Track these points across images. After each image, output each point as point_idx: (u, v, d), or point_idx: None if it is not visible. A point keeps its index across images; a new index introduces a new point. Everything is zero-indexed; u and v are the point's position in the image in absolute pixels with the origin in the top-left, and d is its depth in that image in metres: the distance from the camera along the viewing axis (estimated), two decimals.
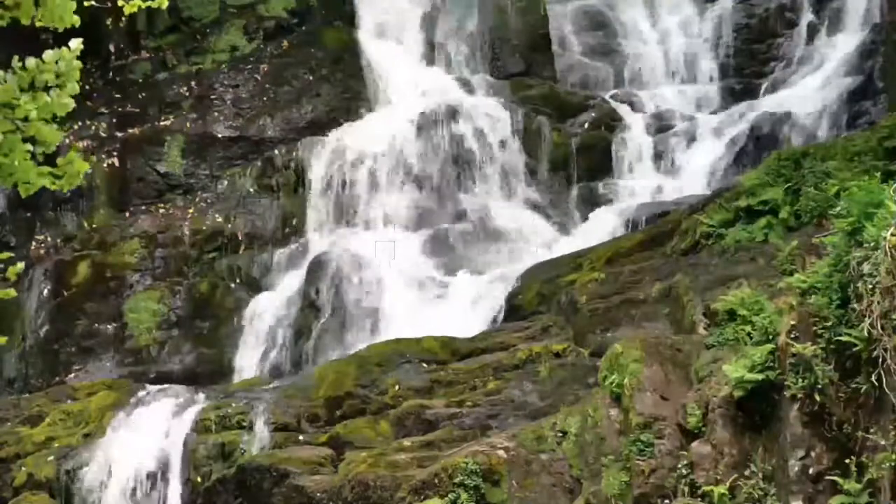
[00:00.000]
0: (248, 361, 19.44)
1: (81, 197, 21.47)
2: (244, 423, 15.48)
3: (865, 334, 10.71)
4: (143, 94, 22.98)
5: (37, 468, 15.58)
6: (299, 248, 20.72)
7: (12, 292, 9.63)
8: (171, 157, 21.94)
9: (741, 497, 11.73)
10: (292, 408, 15.74)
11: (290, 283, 20.10)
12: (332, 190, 21.31)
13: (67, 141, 20.81)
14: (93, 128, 22.28)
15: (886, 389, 10.52)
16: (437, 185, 21.33)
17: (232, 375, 19.24)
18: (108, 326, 19.96)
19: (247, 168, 21.85)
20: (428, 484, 13.07)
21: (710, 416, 12.32)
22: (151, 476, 15.24)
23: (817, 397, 11.18)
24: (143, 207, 21.61)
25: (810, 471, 11.22)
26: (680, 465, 12.29)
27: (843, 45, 22.39)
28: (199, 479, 15.07)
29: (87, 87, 20.45)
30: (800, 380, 11.30)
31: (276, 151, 21.84)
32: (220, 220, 21.13)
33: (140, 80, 23.24)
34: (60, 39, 8.92)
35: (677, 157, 21.70)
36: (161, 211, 21.45)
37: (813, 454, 11.24)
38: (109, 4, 9.80)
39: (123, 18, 9.53)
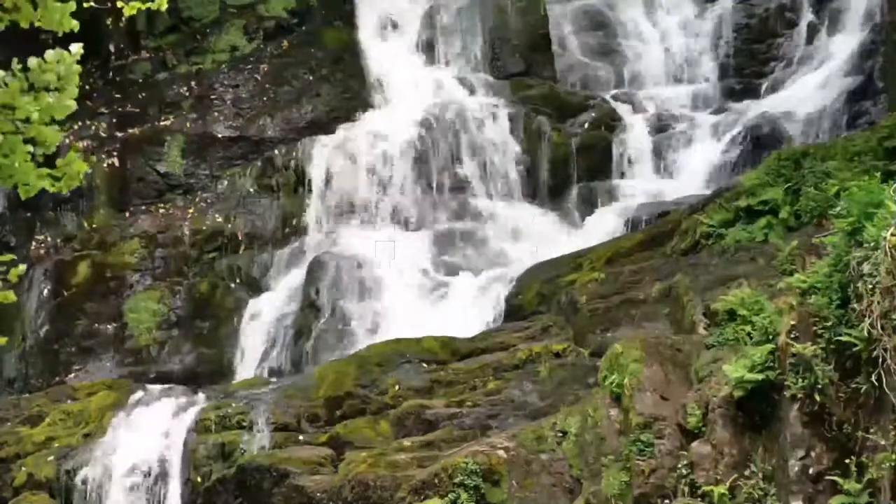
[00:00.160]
0: (248, 361, 19.44)
1: (81, 197, 21.47)
2: (244, 423, 15.48)
3: (865, 334, 10.71)
4: (143, 94, 22.98)
5: (37, 468, 15.58)
6: (299, 248, 20.72)
7: (11, 296, 9.63)
8: (171, 157, 21.94)
9: (741, 497, 11.73)
10: (292, 408, 15.74)
11: (290, 283, 20.10)
12: (332, 190, 21.31)
13: (67, 141, 20.81)
14: (93, 128, 22.29)
15: (886, 389, 10.52)
16: (436, 185, 21.34)
17: (232, 375, 19.24)
18: (108, 326, 19.97)
19: (247, 168, 21.86)
20: (428, 484, 13.07)
21: (710, 416, 12.32)
22: (151, 476, 15.24)
23: (817, 397, 11.18)
24: (143, 207, 21.61)
25: (810, 471, 11.22)
26: (680, 465, 12.30)
27: (843, 45, 22.38)
28: (199, 479, 15.08)
29: (87, 87, 20.46)
30: (800, 380, 11.30)
31: (276, 151, 21.84)
32: (220, 220, 21.13)
33: (140, 80, 23.24)
34: (61, 40, 8.93)
35: (677, 157, 21.70)
36: (161, 211, 21.45)
37: (813, 454, 11.24)
38: (109, 5, 9.80)
39: (123, 19, 9.52)
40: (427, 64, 23.58)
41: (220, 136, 22.25)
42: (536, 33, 23.88)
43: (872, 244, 10.80)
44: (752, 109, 21.87)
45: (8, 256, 9.80)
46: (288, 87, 22.83)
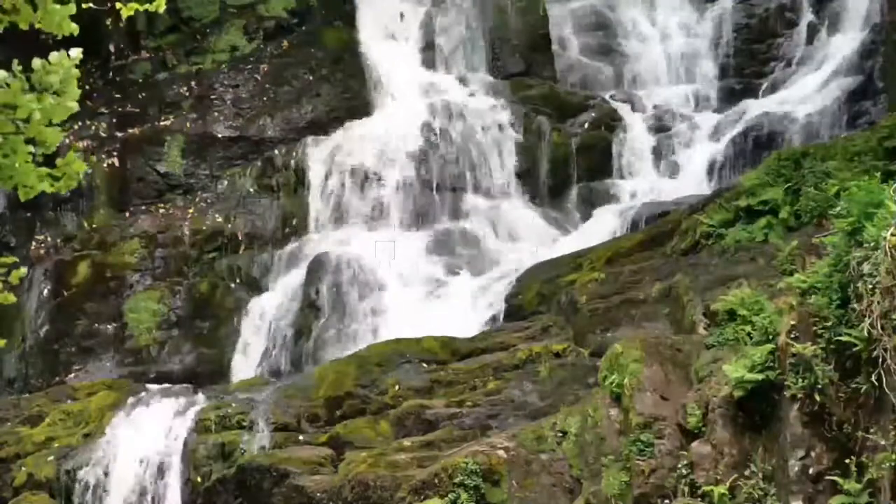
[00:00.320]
0: (248, 361, 19.44)
1: (81, 197, 21.47)
2: (244, 423, 15.48)
3: (865, 334, 10.72)
4: (143, 94, 22.98)
5: (37, 468, 15.58)
6: (299, 248, 20.72)
7: (11, 298, 9.63)
8: (171, 157, 21.94)
9: (741, 497, 11.73)
10: (292, 408, 15.74)
11: (290, 283, 20.11)
12: (332, 190, 21.32)
13: (67, 141, 20.81)
14: (93, 128, 22.29)
15: (886, 389, 10.52)
16: (436, 185, 21.34)
17: (232, 375, 19.24)
18: (108, 326, 19.97)
19: (247, 168, 21.86)
20: (428, 484, 13.07)
21: (710, 416, 12.32)
22: (151, 476, 15.23)
23: (817, 397, 11.18)
24: (143, 207, 21.61)
25: (810, 471, 11.22)
26: (680, 465, 12.30)
27: (843, 45, 22.38)
28: (199, 479, 15.08)
29: (87, 87, 20.44)
30: (800, 380, 11.30)
31: (276, 151, 21.85)
32: (220, 220, 21.14)
33: (140, 80, 23.25)
34: (61, 41, 8.93)
35: (677, 156, 21.71)
36: (161, 211, 21.45)
37: (813, 454, 11.24)
38: (109, 5, 9.81)
39: (123, 19, 9.54)
40: (427, 64, 23.58)
41: (220, 136, 22.25)
42: (536, 33, 23.88)
43: (872, 244, 10.80)
44: (752, 109, 21.88)
45: (10, 259, 9.79)
46: (288, 87, 22.83)
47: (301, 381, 16.74)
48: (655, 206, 19.82)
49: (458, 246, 20.34)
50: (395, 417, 15.23)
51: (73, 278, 20.43)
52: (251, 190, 21.55)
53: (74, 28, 8.78)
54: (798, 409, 11.33)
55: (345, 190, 21.28)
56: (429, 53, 23.70)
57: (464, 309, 18.59)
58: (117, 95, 22.95)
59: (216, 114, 22.55)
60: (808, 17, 23.45)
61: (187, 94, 22.92)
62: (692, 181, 20.95)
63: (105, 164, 21.73)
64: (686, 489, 12.15)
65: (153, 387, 17.26)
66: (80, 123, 21.86)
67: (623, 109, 22.65)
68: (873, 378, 10.66)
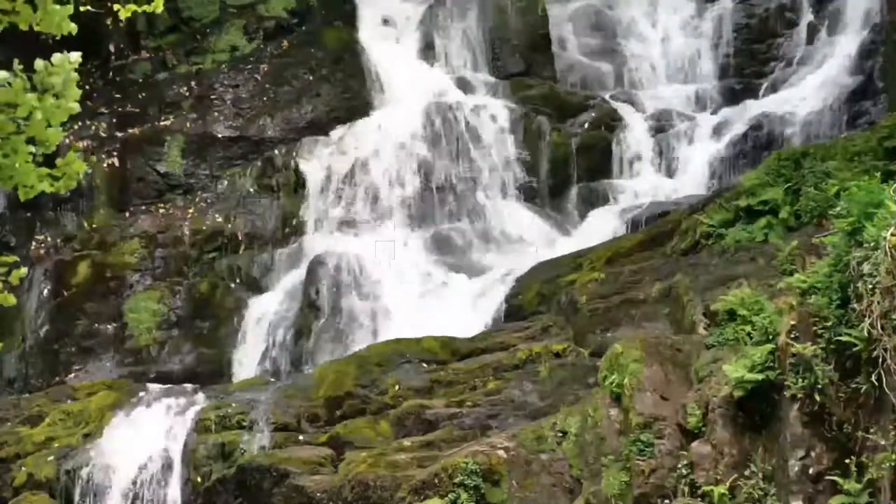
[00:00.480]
0: (247, 361, 19.44)
1: (81, 197, 21.47)
2: (244, 423, 15.48)
3: (865, 334, 10.72)
4: (143, 94, 22.98)
5: (37, 468, 15.57)
6: (299, 248, 20.72)
7: (11, 299, 9.63)
8: (171, 157, 21.94)
9: (741, 497, 11.73)
10: (292, 408, 15.74)
11: (290, 283, 20.11)
12: (332, 190, 21.32)
13: (67, 141, 20.81)
14: (93, 128, 22.28)
15: (886, 389, 10.52)
16: (436, 185, 21.33)
17: (232, 375, 19.24)
18: (108, 326, 19.96)
19: (247, 168, 21.86)
20: (428, 484, 13.07)
21: (710, 416, 12.32)
22: (151, 476, 15.23)
23: (817, 397, 11.18)
24: (143, 207, 21.61)
25: (810, 471, 11.22)
26: (680, 465, 12.30)
27: (843, 45, 22.38)
28: (199, 479, 15.08)
29: (87, 87, 20.45)
30: (800, 380, 11.30)
31: (276, 151, 21.84)
32: (220, 220, 21.13)
33: (140, 80, 23.25)
34: (61, 41, 8.94)
35: (677, 156, 21.70)
36: (161, 211, 21.45)
37: (813, 454, 11.24)
38: (110, 4, 9.81)
39: (123, 19, 9.57)
40: (427, 64, 23.58)
41: (220, 136, 22.25)
42: (536, 33, 23.88)
43: (872, 244, 10.80)
44: (752, 109, 21.87)
45: (10, 258, 9.78)
46: (288, 87, 22.83)
47: (301, 381, 16.74)
48: (655, 206, 19.82)
49: (458, 246, 20.34)
50: (395, 417, 15.23)
51: (73, 278, 20.43)
52: (251, 190, 21.55)
53: (73, 28, 8.79)
54: (798, 409, 11.33)
55: (344, 190, 21.27)
56: (429, 53, 23.70)
57: (464, 309, 18.59)
58: (117, 95, 22.95)
59: (216, 114, 22.55)
60: (808, 17, 23.45)
61: (187, 94, 22.92)
62: (692, 181, 20.95)
63: (105, 164, 21.73)
64: (686, 489, 12.15)
65: (153, 387, 17.26)
66: (80, 123, 21.86)
67: (623, 109, 22.64)
68: (873, 378, 10.66)
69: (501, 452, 13.20)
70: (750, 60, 23.57)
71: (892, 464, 10.46)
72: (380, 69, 23.09)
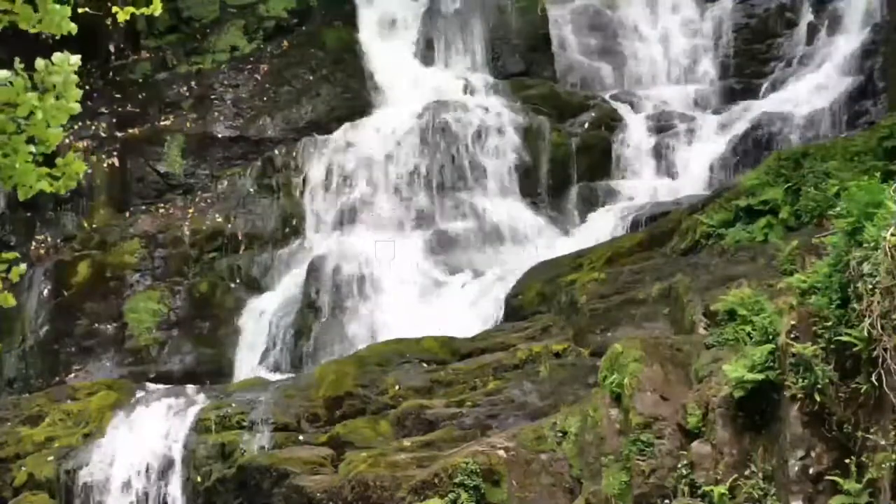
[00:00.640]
0: (247, 361, 19.44)
1: (81, 197, 21.47)
2: (244, 423, 15.48)
3: (865, 334, 10.72)
4: (143, 94, 22.98)
5: (37, 468, 15.57)
6: (299, 248, 20.73)
7: (11, 299, 9.63)
8: (171, 157, 21.95)
9: (741, 497, 11.73)
10: (292, 408, 15.73)
11: (290, 283, 20.11)
12: (332, 190, 21.32)
13: (67, 141, 20.80)
14: (93, 128, 22.29)
15: (886, 389, 10.52)
16: (436, 185, 21.33)
17: (232, 375, 19.24)
18: (108, 326, 19.96)
19: (247, 168, 21.86)
20: (428, 484, 13.07)
21: (710, 416, 12.32)
22: (151, 476, 15.23)
23: (817, 397, 11.18)
24: (143, 207, 21.61)
25: (810, 471, 11.22)
26: (680, 465, 12.29)
27: (843, 45, 22.38)
28: (199, 479, 15.08)
29: (87, 87, 20.45)
30: (800, 380, 11.30)
31: (276, 151, 21.84)
32: (220, 220, 21.13)
33: (140, 80, 23.26)
34: (61, 40, 8.95)
35: (677, 156, 21.69)
36: (161, 211, 21.45)
37: (813, 454, 11.24)
38: (110, 3, 9.83)
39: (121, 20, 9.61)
40: (427, 64, 23.58)
41: (220, 136, 22.27)
42: (536, 33, 23.88)
43: (872, 244, 10.80)
44: (752, 109, 21.87)
45: (11, 254, 9.79)
46: (288, 87, 22.83)
47: (301, 381, 16.73)
48: (655, 206, 19.81)
49: (458, 246, 20.34)
50: (395, 417, 15.23)
51: (73, 278, 20.43)
52: (251, 190, 21.55)
53: (73, 27, 8.80)
54: (798, 409, 11.32)
55: (344, 190, 21.27)
56: (428, 53, 23.70)
57: (464, 309, 18.59)
58: (117, 95, 22.95)
59: (216, 114, 22.56)
60: (808, 17, 23.44)
61: (187, 94, 22.92)
62: (692, 181, 20.94)
63: (105, 164, 21.73)
64: (686, 489, 12.15)
65: (153, 387, 17.26)
66: (80, 123, 21.85)
67: (623, 109, 22.63)
68: (873, 378, 10.66)
69: (501, 452, 13.20)
70: (750, 60, 23.56)
71: (892, 464, 10.46)
72: (380, 69, 23.10)
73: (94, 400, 16.57)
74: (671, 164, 21.68)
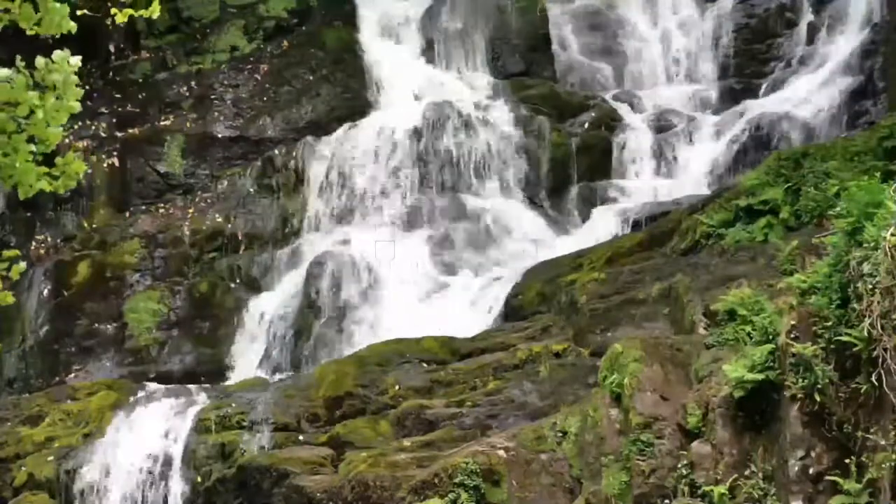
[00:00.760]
0: (248, 361, 19.44)
1: (81, 197, 21.48)
2: (244, 423, 15.47)
3: (865, 334, 10.71)
4: (143, 94, 22.99)
5: (37, 468, 15.57)
6: (299, 248, 20.73)
7: (10, 297, 9.64)
8: (171, 157, 21.95)
9: (741, 497, 11.73)
10: (292, 408, 15.73)
11: (290, 283, 20.11)
12: (332, 190, 21.32)
13: (67, 141, 20.82)
14: (93, 128, 22.29)
15: (886, 389, 10.52)
16: (436, 185, 21.33)
17: (232, 375, 19.24)
18: (108, 326, 19.97)
19: (247, 168, 21.87)
20: (428, 484, 13.07)
21: (710, 416, 12.31)
22: (151, 476, 15.23)
23: (817, 397, 11.17)
24: (143, 207, 21.62)
25: (810, 471, 11.21)
26: (680, 465, 12.29)
27: (843, 45, 22.39)
28: (199, 479, 15.08)
29: (87, 87, 20.44)
30: (800, 380, 11.29)
31: (276, 151, 21.85)
32: (220, 220, 21.14)
33: (140, 80, 23.27)
34: (62, 40, 8.96)
35: (677, 157, 21.70)
36: (161, 211, 21.46)
37: (813, 454, 11.23)
38: (109, 3, 9.83)
39: (121, 20, 9.63)
40: (427, 64, 23.59)
41: (220, 136, 22.27)
42: (536, 33, 23.89)
43: (872, 244, 10.80)
44: (752, 109, 21.87)
45: (12, 252, 9.80)
46: (288, 87, 22.84)
47: (301, 381, 16.73)
48: (655, 206, 19.82)
49: (458, 246, 20.33)
50: (395, 417, 15.23)
51: (73, 278, 20.43)
52: (251, 190, 21.55)
53: (73, 26, 8.81)
54: (798, 409, 11.32)
55: (344, 190, 21.28)
56: (429, 53, 23.72)
57: (464, 309, 18.59)
58: (117, 95, 22.96)
59: (216, 114, 22.57)
60: (808, 17, 23.45)
61: (187, 94, 22.93)
62: (692, 181, 20.95)
63: (105, 164, 21.73)
64: (686, 489, 12.15)
65: (153, 387, 17.25)
66: (80, 123, 21.86)
67: (623, 109, 22.64)
68: (873, 378, 10.66)
69: (501, 452, 13.20)
70: (750, 60, 23.56)
71: (892, 464, 10.46)
72: (380, 69, 23.11)
73: (94, 400, 16.57)
74: (671, 164, 21.68)
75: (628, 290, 16.34)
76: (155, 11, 9.27)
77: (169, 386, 17.48)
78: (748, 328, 12.75)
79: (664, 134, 22.04)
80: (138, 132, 22.32)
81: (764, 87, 23.00)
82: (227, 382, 18.53)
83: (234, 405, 15.80)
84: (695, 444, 12.35)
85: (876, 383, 10.64)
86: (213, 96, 22.80)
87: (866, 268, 10.81)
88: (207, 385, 17.85)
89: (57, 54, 8.54)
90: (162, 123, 22.45)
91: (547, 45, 23.88)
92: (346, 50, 23.30)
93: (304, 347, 19.04)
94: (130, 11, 9.39)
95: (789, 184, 16.53)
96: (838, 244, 11.32)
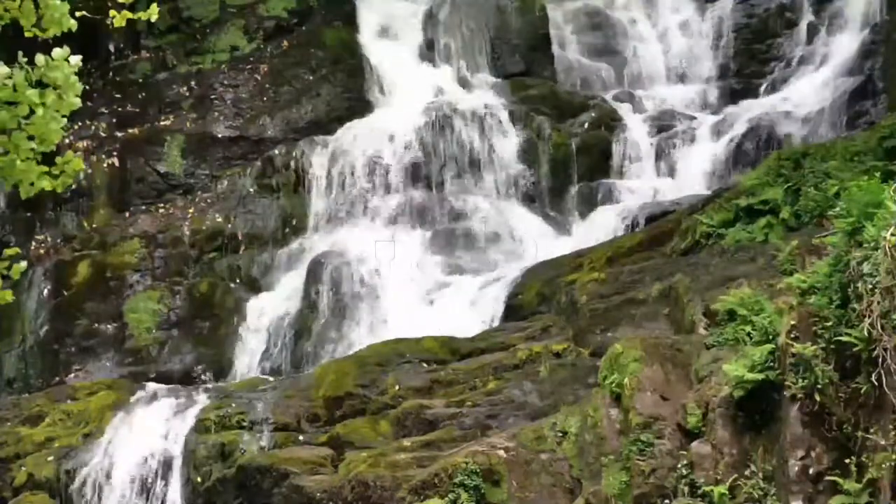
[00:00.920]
0: (248, 361, 19.44)
1: (81, 197, 21.48)
2: (244, 423, 15.48)
3: (865, 334, 10.72)
4: (143, 94, 22.98)
5: (37, 468, 15.57)
6: (299, 248, 20.73)
7: (9, 296, 9.64)
8: (171, 157, 21.95)
9: (741, 497, 11.73)
10: (292, 408, 15.73)
11: (290, 283, 20.11)
12: (332, 190, 21.32)
13: (67, 141, 20.82)
14: (93, 128, 22.29)
15: (886, 389, 10.52)
16: (437, 185, 21.34)
17: (232, 375, 19.24)
18: (108, 326, 19.96)
19: (247, 168, 21.86)
20: (428, 484, 13.08)
21: (710, 416, 12.32)
22: (151, 476, 15.23)
23: (817, 397, 11.18)
24: (143, 207, 21.61)
25: (810, 471, 11.21)
26: (680, 465, 12.29)
27: (843, 45, 22.38)
28: (199, 479, 15.07)
29: (87, 87, 20.42)
30: (800, 380, 11.30)
31: (276, 151, 21.84)
32: (220, 220, 21.13)
33: (140, 80, 23.26)
34: (60, 40, 8.96)
35: (677, 156, 21.70)
36: (161, 211, 21.45)
37: (813, 454, 11.23)
38: (109, 4, 9.83)
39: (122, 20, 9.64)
40: (427, 64, 23.58)
41: (220, 136, 22.26)
42: (536, 33, 23.89)
43: (872, 244, 10.80)
44: (752, 109, 21.87)
45: (13, 250, 9.81)
46: (288, 87, 22.83)
47: (301, 381, 16.73)
48: (655, 206, 19.81)
49: (458, 246, 20.33)
50: (395, 417, 15.23)
51: (73, 278, 20.43)
52: (251, 190, 21.55)
53: (73, 24, 8.82)
54: (798, 409, 11.32)
55: (345, 190, 21.27)
56: (429, 53, 23.71)
57: (464, 309, 18.58)
58: (117, 95, 22.95)
59: (216, 114, 22.56)
60: (808, 17, 23.44)
61: (187, 94, 22.92)
62: (692, 181, 20.94)
63: (105, 164, 21.73)
64: (686, 489, 12.15)
65: (153, 387, 17.25)
66: (80, 123, 21.86)
67: (623, 109, 22.64)
68: (873, 378, 10.66)
69: (501, 452, 13.20)
70: (750, 60, 23.56)
71: (892, 464, 10.46)
72: (380, 69, 23.10)
73: (94, 400, 16.57)
74: (671, 164, 21.68)
75: (628, 290, 16.34)
76: (153, 14, 9.29)
77: (169, 386, 17.49)
78: (748, 328, 12.75)
79: (664, 134, 22.03)
80: (138, 132, 22.32)
81: (764, 87, 23.00)
82: (227, 382, 18.52)
83: (234, 405, 15.80)
84: (695, 444, 12.35)
85: (876, 383, 10.64)
86: (213, 96, 22.79)
87: (866, 268, 10.81)
88: (207, 385, 17.86)
89: (56, 52, 8.55)
90: (162, 123, 22.45)
91: (547, 45, 23.88)
92: (346, 50, 23.30)
93: (304, 347, 19.04)
94: (129, 14, 9.41)
95: (789, 184, 16.53)
96: (838, 244, 11.33)
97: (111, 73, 23.26)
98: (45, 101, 8.51)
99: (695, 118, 22.40)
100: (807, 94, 21.78)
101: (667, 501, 12.24)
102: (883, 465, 10.51)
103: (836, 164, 16.09)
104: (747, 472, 11.83)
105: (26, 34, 8.86)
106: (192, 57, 23.49)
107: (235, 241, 20.98)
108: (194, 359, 19.66)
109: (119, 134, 22.32)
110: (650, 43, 24.42)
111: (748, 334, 12.68)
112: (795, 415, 11.32)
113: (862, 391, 10.89)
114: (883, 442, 10.57)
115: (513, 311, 17.97)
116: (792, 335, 11.47)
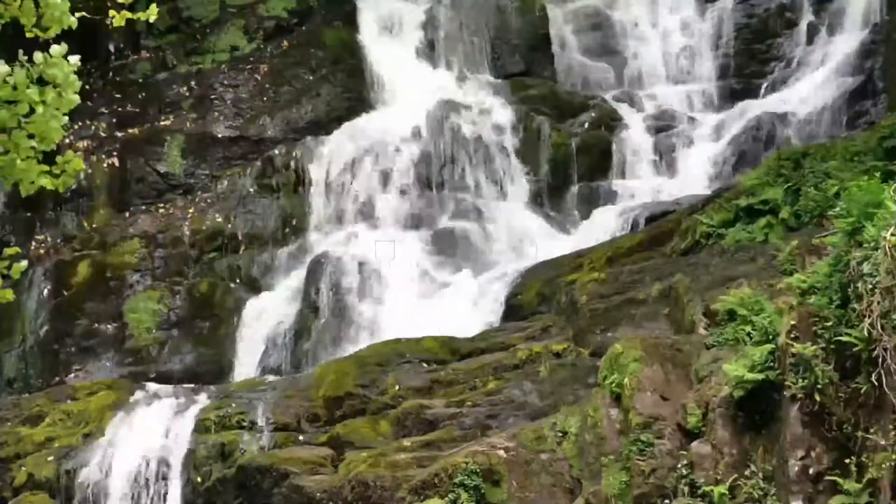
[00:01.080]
0: (248, 361, 19.44)
1: (81, 197, 21.48)
2: (244, 423, 15.48)
3: (865, 334, 10.72)
4: (143, 94, 22.98)
5: (37, 468, 15.57)
6: (299, 248, 20.73)
7: (10, 294, 9.64)
8: (171, 157, 21.95)
9: (741, 497, 11.73)
10: (292, 408, 15.74)
11: (290, 283, 20.11)
12: (332, 190, 21.32)
13: (67, 141, 20.81)
14: (93, 128, 22.29)
15: (886, 389, 10.52)
16: (437, 185, 21.34)
17: (232, 375, 19.24)
18: (108, 326, 19.97)
19: (247, 168, 21.86)
20: (428, 484, 13.08)
21: (710, 416, 12.32)
22: (151, 476, 15.23)
23: (817, 397, 11.18)
24: (143, 207, 21.61)
25: (810, 471, 11.21)
26: (680, 465, 12.29)
27: (843, 45, 22.38)
28: (199, 479, 15.07)
29: (87, 87, 20.45)
30: (800, 380, 11.30)
31: (276, 151, 21.84)
32: (220, 220, 21.13)
33: (140, 80, 23.26)
34: (60, 39, 8.96)
35: (677, 156, 21.71)
36: (161, 211, 21.45)
37: (813, 454, 11.23)
38: (109, 4, 9.83)
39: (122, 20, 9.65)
40: (427, 64, 23.58)
41: (220, 136, 22.26)
42: (536, 33, 23.89)
43: (872, 244, 10.81)
44: (752, 109, 21.87)
45: (13, 249, 9.81)
46: (288, 87, 22.83)
47: (301, 381, 16.73)
48: (655, 206, 19.81)
49: (459, 246, 20.33)
50: (395, 417, 15.23)
51: (73, 278, 20.43)
52: (251, 190, 21.55)
53: (73, 21, 8.82)
54: (798, 409, 11.32)
55: (344, 190, 21.28)
56: (429, 53, 23.71)
57: (464, 309, 18.59)
58: (117, 95, 22.95)
59: (216, 114, 22.56)
60: (808, 17, 23.44)
61: (187, 94, 22.92)
62: (692, 181, 20.94)
63: (105, 164, 21.73)
64: (686, 489, 12.15)
65: (153, 387, 17.26)
66: (80, 123, 21.87)
67: (623, 109, 22.64)
68: (873, 378, 10.66)
69: (501, 452, 13.20)
70: (750, 60, 23.56)
71: (892, 464, 10.46)
72: (380, 69, 23.10)
73: (94, 400, 16.57)
74: (671, 164, 21.69)
75: (628, 290, 16.34)
76: (153, 15, 9.29)
77: (169, 386, 17.48)
78: (748, 328, 12.75)
79: (664, 134, 22.04)
80: (138, 132, 22.32)
81: (764, 87, 23.00)
82: (227, 382, 18.52)
83: (234, 405, 15.80)
84: (695, 444, 12.35)
85: (876, 383, 10.64)
86: (213, 96, 22.80)
87: (866, 268, 10.81)
88: (207, 385, 17.85)
89: (54, 49, 8.54)
90: (162, 123, 22.45)
91: (547, 45, 23.89)
92: (346, 50, 23.30)
93: (304, 347, 19.04)
94: (129, 14, 9.41)
95: (789, 184, 16.53)
96: (838, 244, 11.33)
97: (111, 73, 23.26)
98: (44, 99, 8.52)
99: (695, 118, 22.41)
100: (807, 94, 21.78)
101: (667, 501, 12.25)
102: (883, 465, 10.51)
103: (836, 164, 16.10)
104: (747, 472, 11.83)
105: (27, 34, 8.85)
106: (192, 57, 23.49)
107: (235, 241, 20.98)
108: (194, 359, 19.67)
109: (119, 134, 22.33)
110: (650, 43, 24.42)
111: (748, 334, 12.68)
112: (795, 415, 11.32)
113: (862, 391, 10.89)
114: (883, 442, 10.57)
115: (513, 311, 17.97)
116: (792, 335, 11.47)
